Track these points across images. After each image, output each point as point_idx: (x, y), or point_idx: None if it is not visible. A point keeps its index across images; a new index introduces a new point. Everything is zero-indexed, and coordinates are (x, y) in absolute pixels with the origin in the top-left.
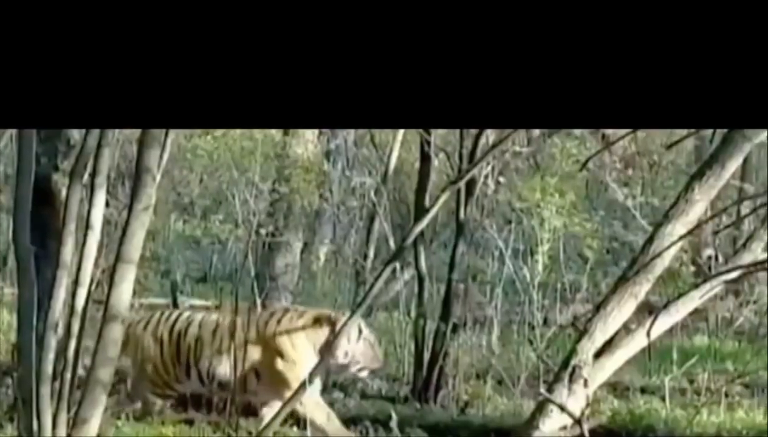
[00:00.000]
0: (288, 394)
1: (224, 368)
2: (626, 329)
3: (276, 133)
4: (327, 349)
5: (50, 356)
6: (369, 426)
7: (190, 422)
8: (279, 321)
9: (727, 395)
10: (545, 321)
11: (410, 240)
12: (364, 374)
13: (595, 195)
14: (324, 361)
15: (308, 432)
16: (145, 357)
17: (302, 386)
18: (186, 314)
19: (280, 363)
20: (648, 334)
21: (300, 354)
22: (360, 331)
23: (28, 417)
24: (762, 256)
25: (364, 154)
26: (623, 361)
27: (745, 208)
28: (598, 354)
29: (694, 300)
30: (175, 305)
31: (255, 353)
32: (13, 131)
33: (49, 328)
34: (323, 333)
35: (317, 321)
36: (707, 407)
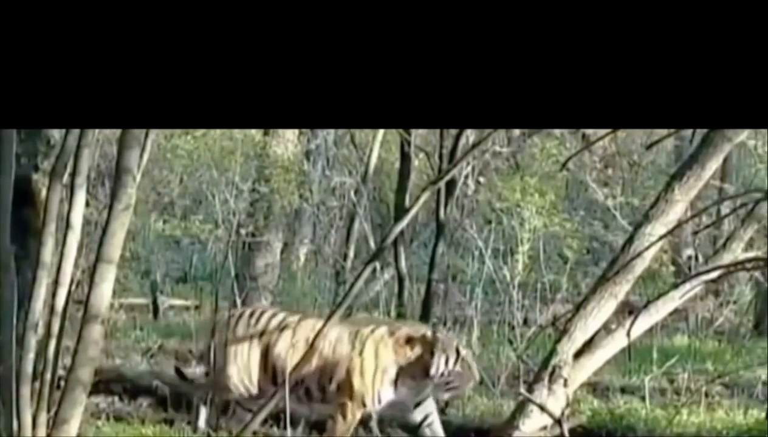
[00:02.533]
0: (356, 410)
1: (315, 376)
2: (606, 329)
3: (256, 133)
4: (423, 376)
5: (30, 356)
6: None
7: (170, 422)
8: (372, 332)
9: (707, 395)
10: (525, 321)
11: (390, 240)
12: (452, 395)
13: (575, 195)
14: (418, 385)
15: (288, 432)
16: (227, 361)
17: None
18: (279, 317)
19: (357, 380)
20: (628, 334)
21: (381, 373)
22: (458, 352)
23: (8, 417)
24: (742, 256)
25: (344, 154)
26: (603, 361)
27: (725, 208)
28: (578, 354)
29: (674, 301)
30: (155, 305)
31: (343, 364)
32: None
33: (29, 328)
34: (414, 352)
35: (409, 342)
36: (687, 407)
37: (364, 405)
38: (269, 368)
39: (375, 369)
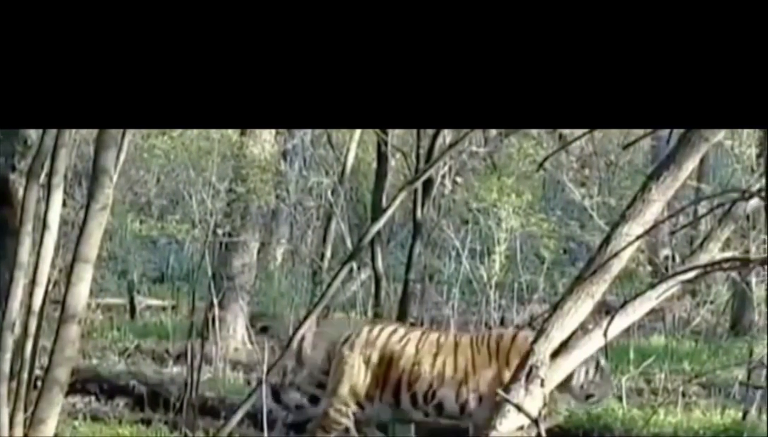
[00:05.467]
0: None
1: (447, 391)
2: (583, 329)
3: (233, 133)
4: (562, 387)
5: (7, 356)
6: None
7: (147, 422)
8: (513, 342)
9: (684, 395)
10: (502, 321)
11: (367, 240)
12: (590, 405)
13: (552, 195)
14: (559, 396)
15: (265, 433)
16: (344, 378)
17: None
18: (401, 331)
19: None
20: (605, 334)
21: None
22: (597, 363)
23: None
24: (719, 256)
25: (321, 154)
26: (580, 361)
27: (702, 208)
28: (555, 354)
29: (651, 300)
30: (132, 305)
31: (486, 375)
32: None
33: (5, 328)
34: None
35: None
36: (664, 407)
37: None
38: (391, 384)
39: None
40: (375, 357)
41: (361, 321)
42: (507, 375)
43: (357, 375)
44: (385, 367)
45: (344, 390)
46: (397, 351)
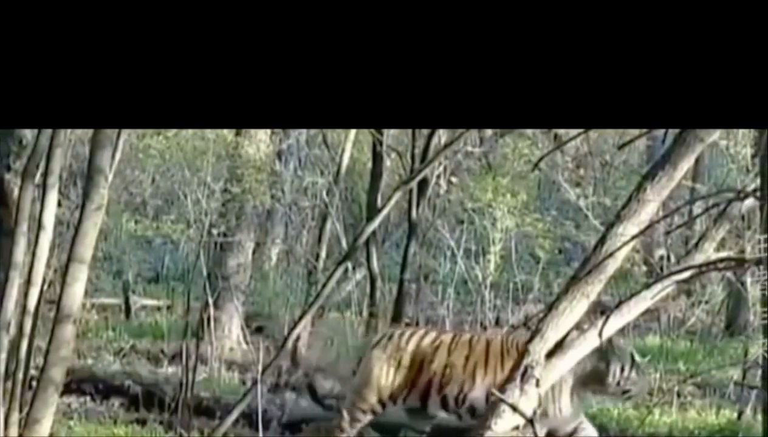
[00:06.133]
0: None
1: (479, 392)
2: (578, 329)
3: (228, 133)
4: (598, 384)
5: (2, 356)
6: (321, 426)
7: (142, 422)
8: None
9: (679, 395)
10: (497, 321)
11: (362, 240)
12: (627, 401)
13: (547, 195)
14: (593, 394)
15: (260, 433)
16: (370, 378)
17: (254, 385)
18: (432, 335)
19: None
20: (600, 334)
21: (560, 383)
22: (633, 359)
23: None
24: (714, 256)
25: (316, 154)
26: (575, 361)
27: (697, 208)
28: (550, 354)
29: (646, 300)
30: (127, 305)
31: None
32: None
33: (1, 328)
34: (590, 361)
35: None
36: (659, 407)
37: (546, 415)
38: (420, 387)
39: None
40: (406, 360)
41: (394, 326)
42: None
43: (385, 376)
44: (416, 370)
45: (368, 390)
46: (428, 355)
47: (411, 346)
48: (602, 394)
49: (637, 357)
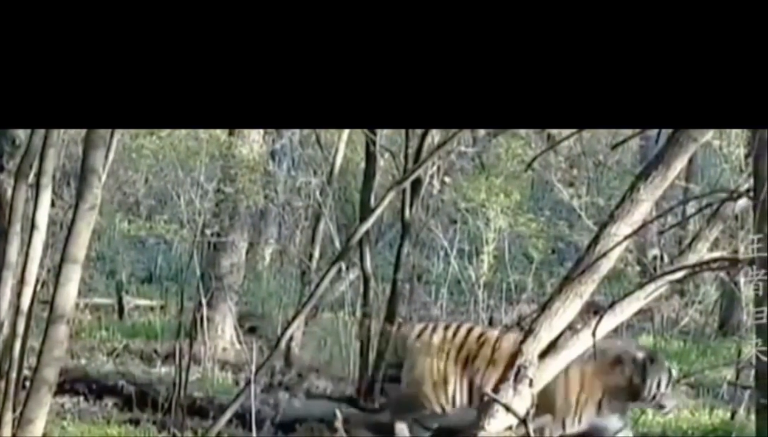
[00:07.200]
0: (554, 431)
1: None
2: (572, 329)
3: (221, 133)
4: (631, 398)
5: None
6: (314, 426)
7: (135, 422)
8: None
9: None
10: (490, 321)
11: (355, 240)
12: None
13: (541, 195)
14: (624, 406)
15: (253, 433)
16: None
17: (247, 385)
18: (477, 330)
19: (561, 402)
20: (593, 334)
21: (586, 396)
22: (670, 374)
23: None
24: (707, 256)
25: (310, 154)
26: (568, 361)
27: (691, 208)
28: (544, 354)
29: (639, 300)
30: (120, 305)
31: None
32: None
33: None
34: (624, 375)
35: (617, 362)
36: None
37: (563, 426)
38: (466, 383)
39: (579, 392)
40: (453, 357)
41: (434, 320)
42: (562, 386)
43: (438, 374)
44: (462, 367)
45: (428, 387)
46: (473, 351)
47: (458, 341)
48: (634, 405)
49: (674, 372)
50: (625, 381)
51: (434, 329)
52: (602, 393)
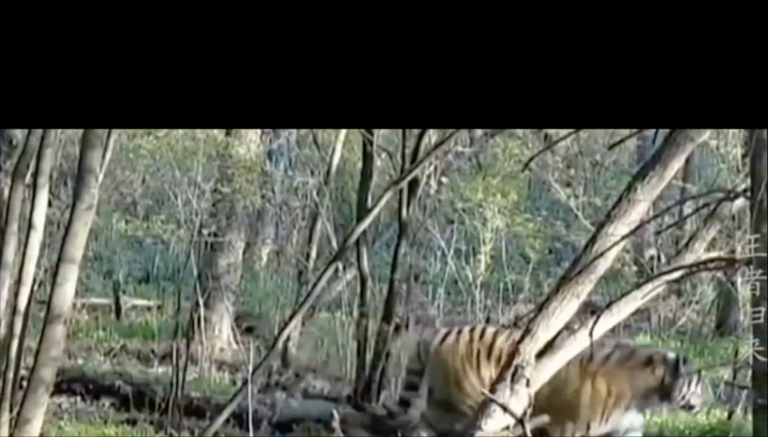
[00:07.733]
0: (577, 433)
1: None
2: (569, 329)
3: (218, 133)
4: (661, 398)
5: None
6: (311, 426)
7: (132, 422)
8: (607, 358)
9: None
10: (488, 321)
11: (353, 240)
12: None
13: (538, 195)
14: (652, 406)
15: (250, 433)
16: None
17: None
18: (505, 332)
19: (585, 406)
20: (590, 334)
21: (615, 399)
22: (700, 374)
23: None
24: (704, 257)
25: (307, 154)
26: (566, 361)
27: (688, 208)
28: (541, 355)
29: (636, 300)
30: (117, 305)
31: (570, 387)
32: None
33: None
34: (655, 376)
35: (648, 363)
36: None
37: (588, 428)
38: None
39: (607, 397)
40: (483, 359)
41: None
42: (588, 390)
43: (471, 376)
44: (494, 367)
45: (461, 392)
46: (504, 351)
47: (486, 343)
48: (663, 406)
49: (704, 373)
50: (656, 381)
51: (459, 332)
52: (631, 394)
